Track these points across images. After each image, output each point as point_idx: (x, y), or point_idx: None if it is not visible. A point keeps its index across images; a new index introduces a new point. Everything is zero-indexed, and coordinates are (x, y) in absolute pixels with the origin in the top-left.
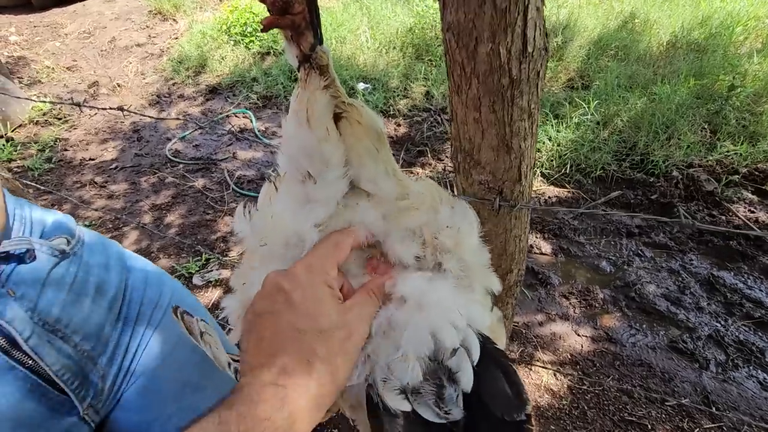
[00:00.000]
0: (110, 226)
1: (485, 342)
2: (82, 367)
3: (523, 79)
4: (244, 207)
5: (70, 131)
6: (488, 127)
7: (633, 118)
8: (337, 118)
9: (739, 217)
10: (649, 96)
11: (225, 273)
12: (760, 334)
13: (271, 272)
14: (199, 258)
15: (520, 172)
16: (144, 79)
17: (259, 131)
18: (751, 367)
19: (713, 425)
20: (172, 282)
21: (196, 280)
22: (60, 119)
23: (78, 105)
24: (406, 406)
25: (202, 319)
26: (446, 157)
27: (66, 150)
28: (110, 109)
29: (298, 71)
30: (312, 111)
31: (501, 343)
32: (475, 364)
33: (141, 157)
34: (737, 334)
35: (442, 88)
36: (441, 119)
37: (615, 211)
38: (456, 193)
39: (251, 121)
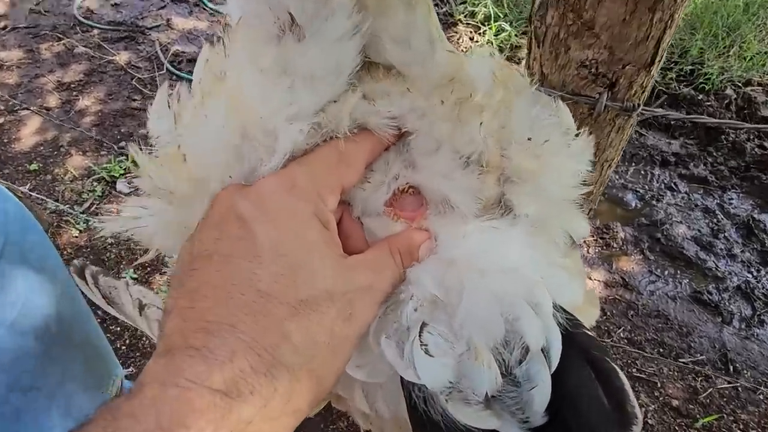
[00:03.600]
0: (2, 108)
1: (570, 324)
2: None
3: None
4: (171, 91)
5: None
6: None
7: (690, 16)
8: None
9: None
10: None
11: None
12: None
13: (229, 186)
14: (125, 158)
15: (656, 52)
16: None
17: None
18: None
19: (728, 385)
20: (15, 206)
21: (121, 186)
22: None
23: None
24: (493, 423)
25: (135, 282)
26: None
27: None
28: None
29: None
30: None
31: (591, 318)
32: (553, 371)
33: (39, 15)
34: None
35: None
36: None
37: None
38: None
39: None
